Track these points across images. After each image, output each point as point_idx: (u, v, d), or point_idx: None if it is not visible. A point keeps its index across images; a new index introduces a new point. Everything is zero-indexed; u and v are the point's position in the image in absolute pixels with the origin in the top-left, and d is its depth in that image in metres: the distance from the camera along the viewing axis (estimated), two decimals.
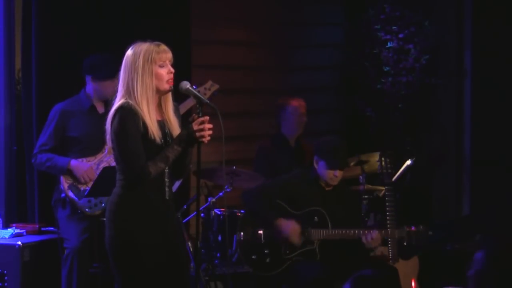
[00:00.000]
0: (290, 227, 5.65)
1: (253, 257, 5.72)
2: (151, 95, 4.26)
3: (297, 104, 6.74)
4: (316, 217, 5.73)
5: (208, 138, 4.28)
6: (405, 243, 5.85)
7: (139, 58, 4.25)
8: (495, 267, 2.94)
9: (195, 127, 4.27)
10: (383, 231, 5.74)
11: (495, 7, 8.25)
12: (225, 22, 7.77)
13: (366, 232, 5.63)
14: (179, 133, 4.32)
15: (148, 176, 4.23)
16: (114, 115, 4.24)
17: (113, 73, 4.96)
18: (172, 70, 4.30)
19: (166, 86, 4.29)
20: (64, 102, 5.86)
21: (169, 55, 4.31)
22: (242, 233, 5.75)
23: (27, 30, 6.20)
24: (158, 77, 4.26)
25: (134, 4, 6.72)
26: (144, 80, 4.24)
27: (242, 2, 7.90)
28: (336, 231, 5.67)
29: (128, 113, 4.21)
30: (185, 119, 4.41)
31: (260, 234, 5.72)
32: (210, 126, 4.28)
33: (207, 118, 4.28)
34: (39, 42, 6.19)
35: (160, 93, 4.31)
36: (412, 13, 8.21)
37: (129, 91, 4.25)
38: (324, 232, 5.69)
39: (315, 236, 5.70)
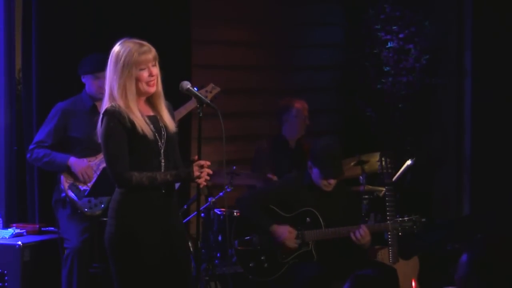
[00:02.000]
0: (286, 232, 5.64)
1: (251, 264, 5.71)
2: (131, 98, 4.26)
3: (300, 106, 6.73)
4: (308, 218, 5.72)
5: (204, 183, 4.34)
6: (400, 234, 5.84)
7: (120, 61, 4.26)
8: (479, 271, 2.90)
9: (195, 171, 4.31)
10: (371, 226, 5.75)
11: (495, 7, 8.24)
12: (225, 22, 7.77)
13: (354, 229, 5.62)
14: (179, 169, 4.37)
15: (125, 184, 4.26)
16: (102, 119, 4.28)
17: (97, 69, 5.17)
18: (154, 72, 4.29)
19: (146, 88, 4.29)
20: (66, 101, 5.87)
21: (150, 56, 4.28)
22: (236, 242, 5.75)
23: (27, 30, 6.20)
24: (139, 79, 4.26)
25: (134, 5, 6.72)
26: (123, 83, 4.25)
27: (242, 2, 7.89)
28: (329, 231, 5.67)
29: (111, 118, 4.24)
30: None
31: (255, 240, 5.72)
32: (210, 172, 4.34)
33: (208, 163, 4.33)
34: (39, 42, 6.19)
35: (142, 94, 4.32)
36: (412, 13, 8.21)
37: (111, 91, 4.28)
38: (318, 232, 5.69)
39: (309, 237, 5.68)
